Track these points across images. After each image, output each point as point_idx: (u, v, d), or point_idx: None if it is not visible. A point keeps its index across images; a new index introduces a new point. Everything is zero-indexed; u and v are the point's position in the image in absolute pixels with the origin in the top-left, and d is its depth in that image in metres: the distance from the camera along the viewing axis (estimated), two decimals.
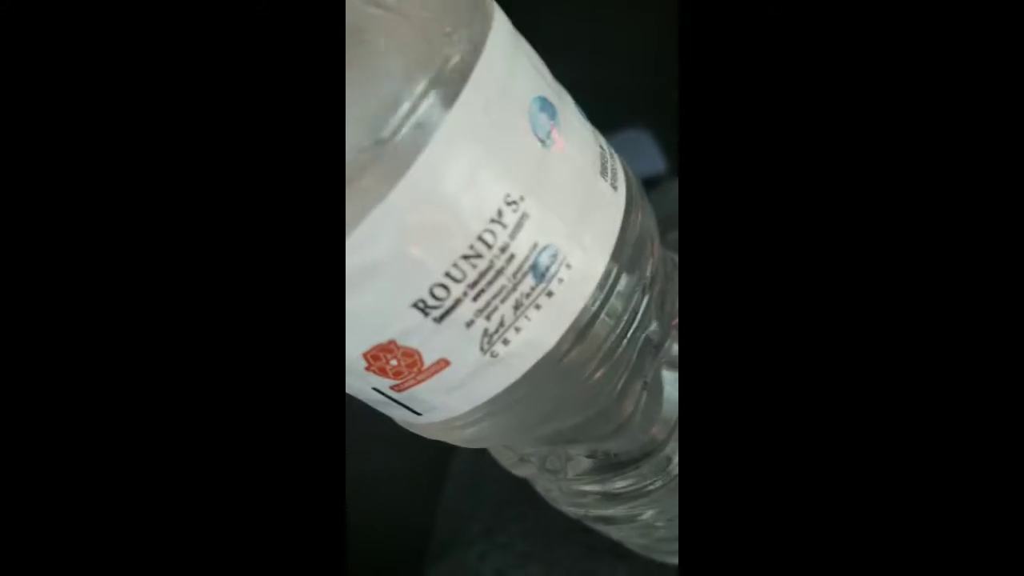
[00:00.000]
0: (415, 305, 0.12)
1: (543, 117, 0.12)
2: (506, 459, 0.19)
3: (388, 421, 0.18)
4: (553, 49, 0.58)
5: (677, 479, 0.18)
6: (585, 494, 0.19)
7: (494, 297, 0.12)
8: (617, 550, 0.23)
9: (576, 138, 0.13)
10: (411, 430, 0.16)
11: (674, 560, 0.22)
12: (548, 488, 0.20)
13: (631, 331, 0.14)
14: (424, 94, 0.10)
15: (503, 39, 0.12)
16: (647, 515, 0.19)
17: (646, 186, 0.57)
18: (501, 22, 0.12)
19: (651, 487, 0.18)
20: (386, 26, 0.11)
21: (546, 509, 0.22)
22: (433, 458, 0.33)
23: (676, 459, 0.17)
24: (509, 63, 0.12)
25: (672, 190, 0.37)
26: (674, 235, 0.31)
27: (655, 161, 0.70)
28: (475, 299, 0.12)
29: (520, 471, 0.19)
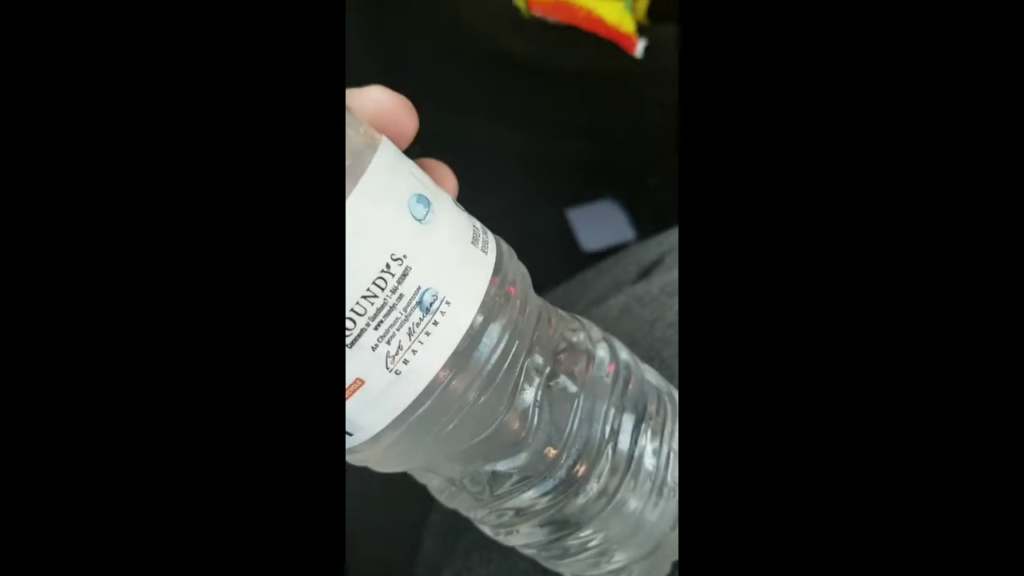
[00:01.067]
0: None
1: (419, 206, 0.18)
2: (440, 492, 0.22)
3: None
4: (546, 132, 0.64)
5: (602, 507, 0.21)
6: (517, 516, 0.22)
7: (391, 326, 0.17)
8: None
9: (448, 219, 0.18)
10: (352, 459, 0.20)
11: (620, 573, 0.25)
12: (482, 519, 0.23)
13: (508, 359, 0.19)
14: None
15: (385, 161, 0.17)
16: (596, 541, 0.22)
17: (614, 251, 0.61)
18: (384, 152, 0.18)
19: (597, 509, 0.21)
20: None
21: (509, 553, 0.25)
22: (413, 515, 0.36)
23: (567, 467, 0.21)
24: (390, 173, 0.17)
25: (626, 255, 0.41)
26: (613, 300, 0.35)
27: (624, 230, 0.75)
28: (376, 328, 0.16)
29: (454, 503, 0.23)
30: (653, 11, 0.51)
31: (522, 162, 0.67)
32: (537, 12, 0.46)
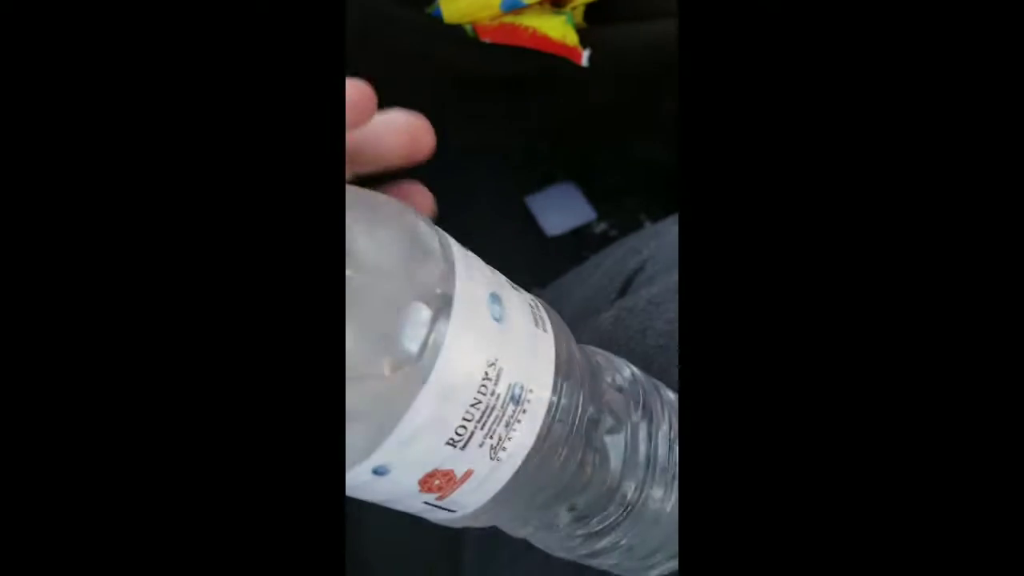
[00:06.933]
0: (447, 442, 0.18)
1: (495, 307, 0.20)
2: (509, 528, 0.25)
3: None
4: (503, 128, 0.65)
5: (633, 510, 0.25)
6: (574, 538, 0.25)
7: (493, 423, 0.19)
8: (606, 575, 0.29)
9: (516, 310, 0.20)
10: (446, 524, 0.22)
11: (656, 571, 0.29)
12: (545, 542, 0.26)
13: (577, 418, 0.21)
14: (433, 324, 0.18)
15: (463, 271, 0.19)
16: (624, 541, 0.26)
17: (578, 234, 0.66)
18: (459, 261, 0.19)
19: (616, 521, 0.24)
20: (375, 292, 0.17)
21: (548, 557, 0.27)
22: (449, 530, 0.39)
23: (629, 493, 0.24)
24: (470, 285, 0.19)
25: (606, 261, 0.44)
26: (604, 315, 0.38)
27: (584, 211, 0.78)
28: (482, 428, 0.19)
29: (520, 533, 0.25)
30: (589, 15, 0.53)
31: (467, 162, 0.68)
32: (486, 39, 0.47)
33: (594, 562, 0.27)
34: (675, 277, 0.37)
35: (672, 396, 0.29)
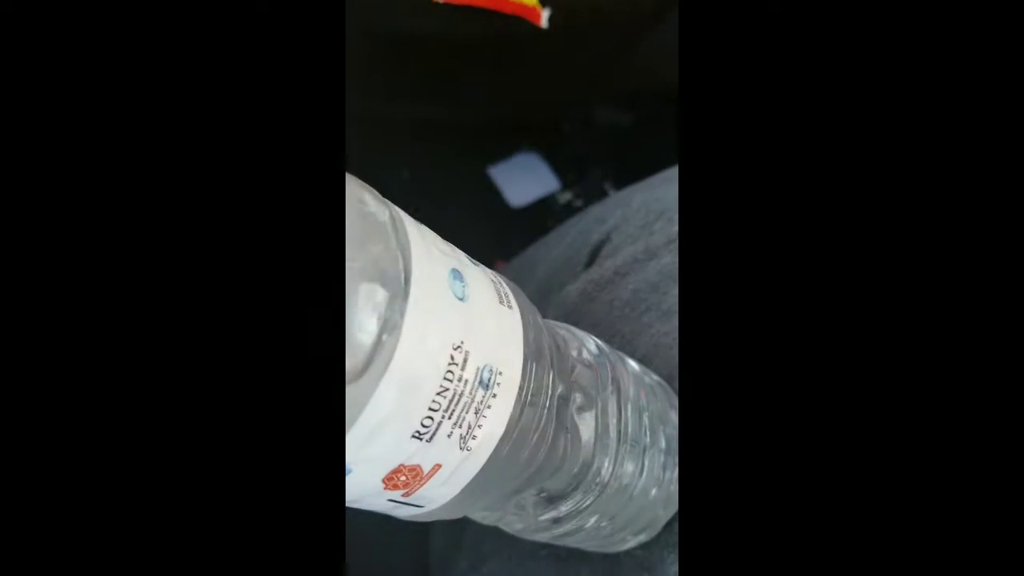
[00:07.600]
0: (413, 435, 0.17)
1: (457, 284, 0.18)
2: (478, 517, 0.24)
3: None
4: (471, 97, 0.64)
5: (606, 489, 0.24)
6: (543, 521, 0.24)
7: (461, 411, 0.18)
8: (578, 555, 0.29)
9: (479, 286, 0.19)
10: (413, 520, 0.21)
11: (623, 546, 0.28)
12: (514, 526, 0.25)
13: (548, 397, 0.20)
14: (389, 306, 0.16)
15: (421, 249, 0.17)
16: (591, 521, 0.25)
17: (543, 205, 0.65)
18: (415, 239, 0.18)
19: (588, 502, 0.24)
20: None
21: (515, 539, 0.27)
22: None
23: (603, 472, 0.23)
24: (428, 261, 0.17)
25: (570, 232, 0.43)
26: (567, 288, 0.37)
27: (548, 181, 0.77)
28: (450, 417, 0.17)
29: (489, 520, 0.24)
30: None
31: (433, 132, 0.66)
32: None
33: (564, 542, 0.27)
34: (640, 246, 0.36)
35: (636, 367, 0.28)
